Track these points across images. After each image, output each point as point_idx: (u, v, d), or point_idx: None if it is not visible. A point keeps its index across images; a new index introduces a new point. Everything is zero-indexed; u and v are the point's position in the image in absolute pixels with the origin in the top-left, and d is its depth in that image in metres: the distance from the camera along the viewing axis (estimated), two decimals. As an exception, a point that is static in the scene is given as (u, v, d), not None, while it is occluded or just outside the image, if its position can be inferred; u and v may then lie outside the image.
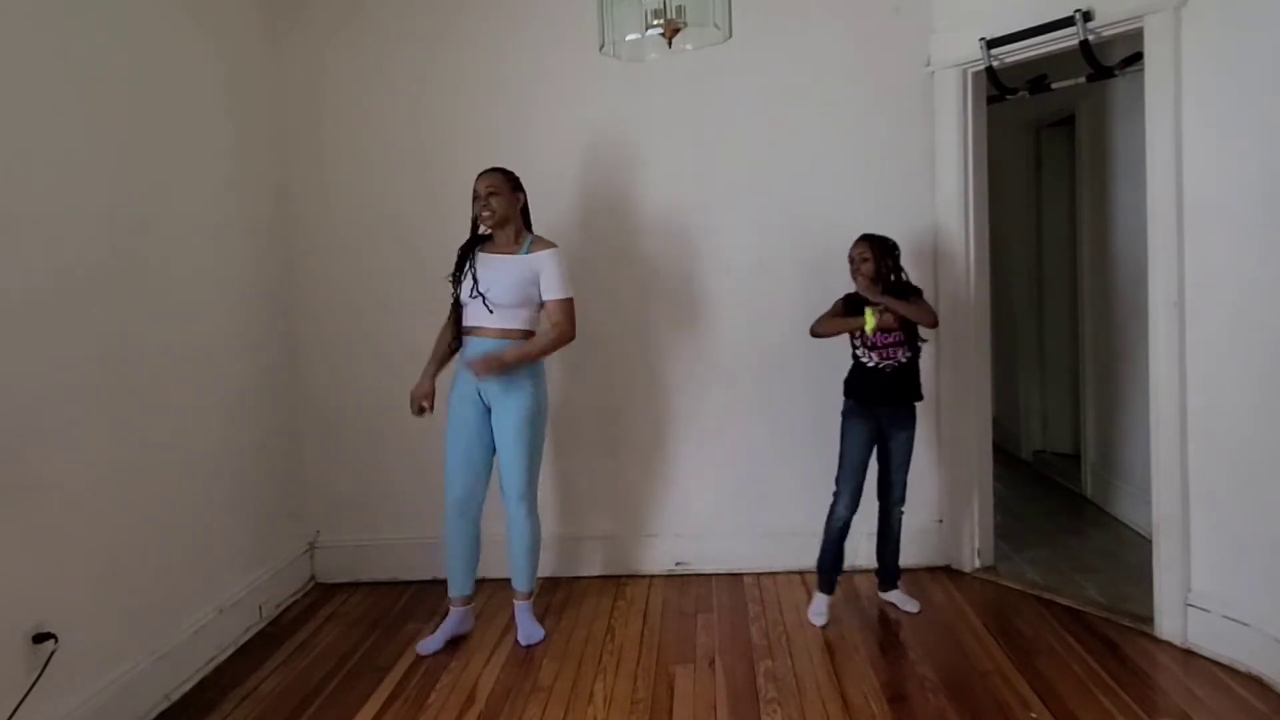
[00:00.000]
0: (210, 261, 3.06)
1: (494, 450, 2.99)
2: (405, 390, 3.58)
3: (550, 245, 2.95)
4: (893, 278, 3.03)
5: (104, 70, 2.55)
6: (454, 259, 3.01)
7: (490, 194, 2.88)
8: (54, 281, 2.31)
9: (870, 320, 2.88)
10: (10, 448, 2.14)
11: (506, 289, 2.86)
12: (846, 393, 3.10)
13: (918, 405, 3.11)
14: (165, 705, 2.65)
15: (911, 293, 3.05)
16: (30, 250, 2.23)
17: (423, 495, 3.62)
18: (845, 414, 3.10)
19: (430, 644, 2.96)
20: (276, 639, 3.13)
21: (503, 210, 2.89)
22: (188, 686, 2.76)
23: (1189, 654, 2.75)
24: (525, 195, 2.99)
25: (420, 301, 3.55)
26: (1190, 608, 2.77)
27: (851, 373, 3.10)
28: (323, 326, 3.63)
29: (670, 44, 2.32)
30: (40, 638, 2.18)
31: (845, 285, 3.09)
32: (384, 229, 3.59)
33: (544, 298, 2.90)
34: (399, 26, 3.53)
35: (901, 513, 3.15)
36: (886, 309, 2.91)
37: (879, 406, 3.04)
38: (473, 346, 2.92)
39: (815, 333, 3.07)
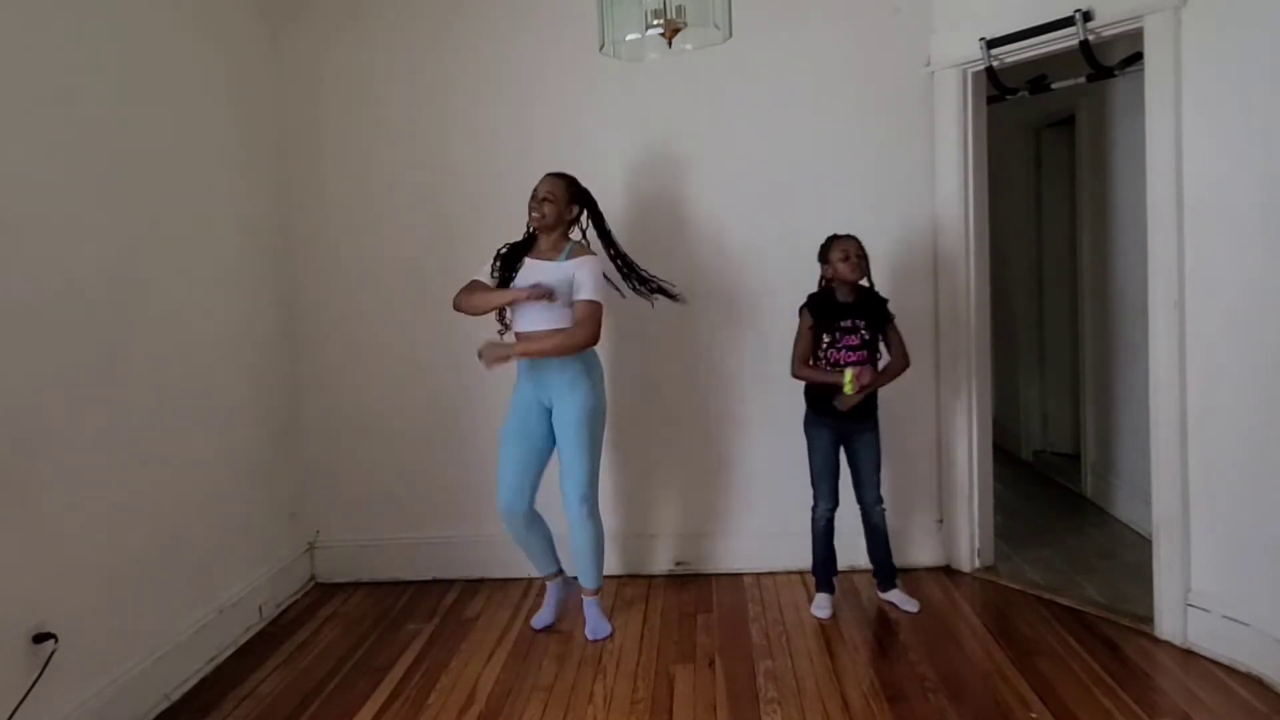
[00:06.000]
0: (211, 263, 3.06)
1: (550, 453, 3.03)
2: (405, 391, 3.61)
3: (589, 253, 2.99)
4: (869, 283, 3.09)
5: (102, 72, 2.55)
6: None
7: (545, 199, 2.92)
8: (55, 284, 2.31)
9: (849, 385, 2.92)
10: (11, 448, 2.14)
11: (559, 302, 2.90)
12: (807, 400, 3.15)
13: (888, 408, 3.15)
14: (165, 705, 2.65)
15: (883, 307, 3.09)
16: (31, 253, 2.23)
17: (423, 495, 3.63)
18: (806, 421, 3.16)
19: (542, 618, 3.10)
20: (276, 639, 3.13)
21: (553, 217, 2.93)
22: (188, 686, 2.76)
23: (1189, 654, 2.74)
24: (582, 207, 3.02)
25: (420, 302, 3.55)
26: (1190, 608, 2.76)
27: (810, 383, 3.13)
28: (323, 326, 3.63)
29: (670, 44, 2.32)
30: (40, 638, 2.18)
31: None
32: (384, 230, 3.59)
33: (573, 298, 2.91)
34: (398, 28, 3.53)
35: (882, 510, 3.16)
36: (864, 371, 2.95)
37: (836, 417, 3.08)
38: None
39: (799, 376, 3.10)
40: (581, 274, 2.90)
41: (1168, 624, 2.82)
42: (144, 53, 2.74)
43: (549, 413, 2.98)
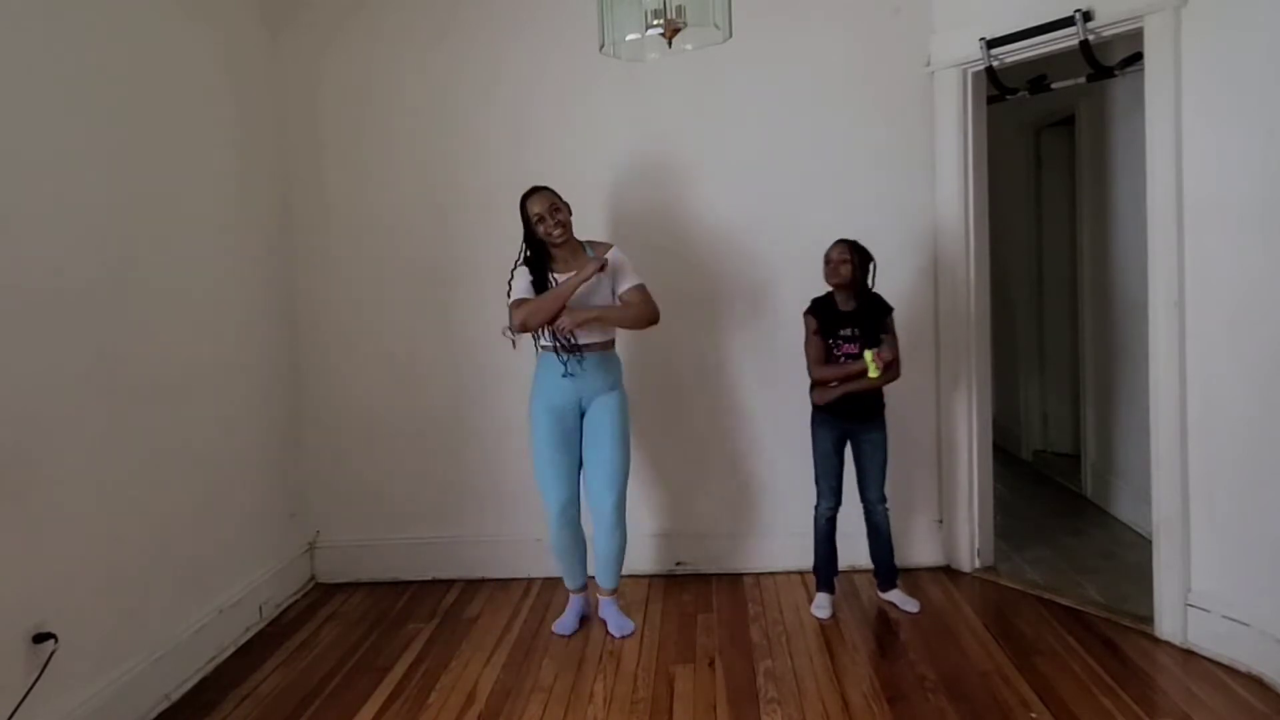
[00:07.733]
0: (211, 263, 3.06)
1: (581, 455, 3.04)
2: (405, 391, 3.61)
3: (609, 244, 3.02)
4: (868, 286, 3.07)
5: (103, 72, 2.55)
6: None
7: (555, 209, 2.89)
8: (55, 283, 2.31)
9: (871, 367, 2.92)
10: (11, 448, 2.14)
11: (603, 299, 2.93)
12: (811, 398, 3.15)
13: (889, 408, 3.15)
14: (165, 705, 2.65)
15: (884, 313, 3.08)
16: (30, 252, 2.23)
17: (423, 495, 3.63)
18: (812, 419, 3.16)
19: (565, 624, 3.09)
20: (276, 639, 3.13)
21: (570, 223, 2.94)
22: (188, 686, 2.76)
23: (1189, 654, 2.74)
24: None
25: (419, 302, 3.56)
26: (1190, 608, 2.76)
27: (815, 381, 3.13)
28: (323, 326, 3.63)
29: (670, 44, 2.32)
30: (40, 638, 2.19)
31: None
32: (384, 230, 3.59)
33: (623, 288, 2.95)
34: (398, 28, 3.53)
35: (885, 509, 3.16)
36: (882, 352, 2.93)
37: (842, 416, 3.08)
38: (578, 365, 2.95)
39: (822, 378, 3.07)
40: (623, 264, 2.98)
41: (1168, 624, 2.82)
42: (144, 53, 2.74)
43: (582, 415, 3.00)
